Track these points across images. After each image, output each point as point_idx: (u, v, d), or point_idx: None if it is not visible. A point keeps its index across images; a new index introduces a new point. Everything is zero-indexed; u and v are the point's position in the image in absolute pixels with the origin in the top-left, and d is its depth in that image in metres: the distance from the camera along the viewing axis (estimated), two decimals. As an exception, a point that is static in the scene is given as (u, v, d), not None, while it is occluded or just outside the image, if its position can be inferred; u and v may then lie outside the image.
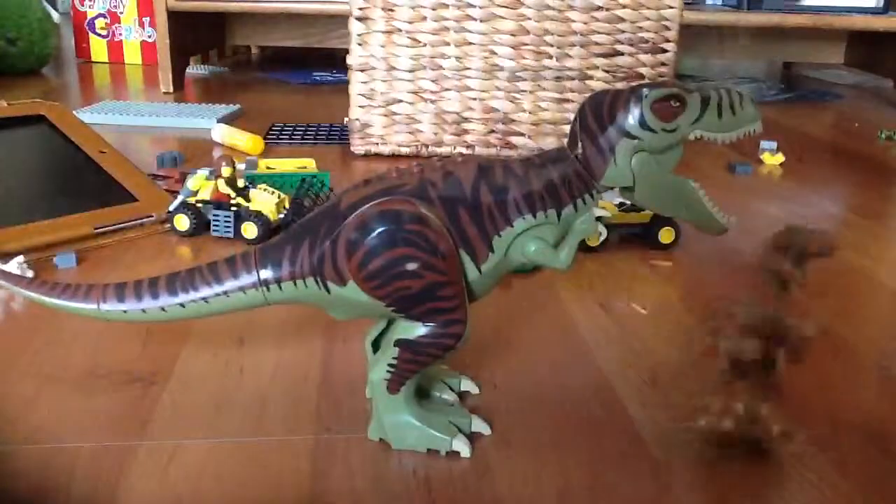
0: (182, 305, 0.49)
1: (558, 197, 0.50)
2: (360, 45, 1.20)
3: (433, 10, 1.18)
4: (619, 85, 1.22)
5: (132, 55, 2.28)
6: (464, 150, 1.24)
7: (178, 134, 1.39)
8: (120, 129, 1.40)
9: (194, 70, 2.16)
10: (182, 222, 0.87)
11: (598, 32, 1.20)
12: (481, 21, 1.19)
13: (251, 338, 0.65)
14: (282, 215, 0.87)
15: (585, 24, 1.20)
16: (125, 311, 0.49)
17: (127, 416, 0.54)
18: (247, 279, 0.49)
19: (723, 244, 0.89)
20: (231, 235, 0.86)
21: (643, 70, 1.22)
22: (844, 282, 0.80)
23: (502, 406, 0.56)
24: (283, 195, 0.88)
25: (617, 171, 0.49)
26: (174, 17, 1.77)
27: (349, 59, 1.21)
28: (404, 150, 1.24)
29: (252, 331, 0.66)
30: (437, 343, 0.48)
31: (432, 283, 0.46)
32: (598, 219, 0.52)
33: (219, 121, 1.43)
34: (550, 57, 1.21)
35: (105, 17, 2.25)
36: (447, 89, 1.21)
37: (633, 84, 0.51)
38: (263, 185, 0.88)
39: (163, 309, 0.49)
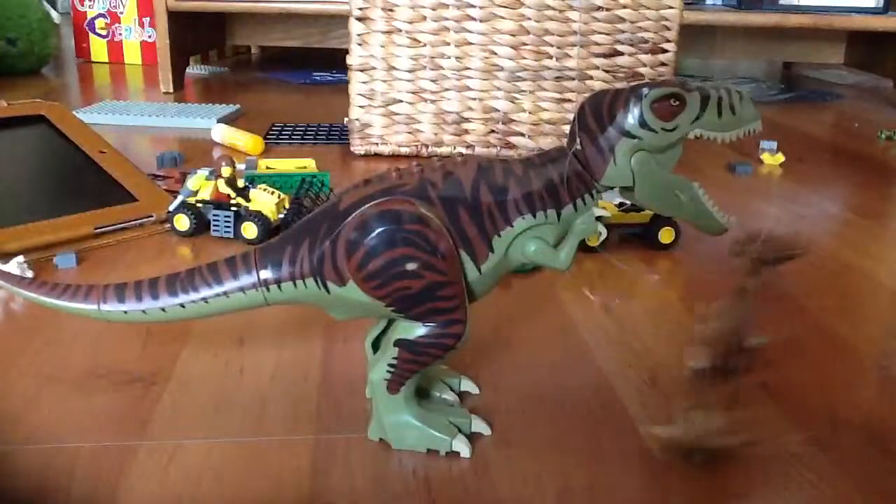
0: (182, 306, 0.49)
1: (558, 197, 0.50)
2: (360, 45, 1.20)
3: (433, 10, 1.18)
4: (619, 85, 1.22)
5: (132, 55, 2.28)
6: (464, 150, 1.24)
7: (178, 134, 1.39)
8: (120, 129, 1.40)
9: (194, 70, 2.16)
10: (182, 222, 0.87)
11: (598, 32, 1.20)
12: (481, 21, 1.19)
13: (251, 338, 0.65)
14: (282, 215, 0.87)
15: (585, 24, 1.20)
16: (125, 312, 0.49)
17: (127, 416, 0.54)
18: (247, 280, 0.48)
19: (723, 244, 0.89)
20: (231, 235, 0.86)
21: (643, 70, 1.22)
22: (844, 282, 0.80)
23: (502, 406, 0.56)
24: (283, 195, 0.88)
25: (617, 170, 0.49)
26: (174, 17, 1.77)
27: (349, 59, 1.21)
28: (404, 150, 1.24)
29: (252, 331, 0.66)
30: (437, 343, 0.48)
31: (432, 283, 0.46)
32: (598, 218, 0.52)
33: (219, 121, 1.43)
34: (550, 57, 1.21)
35: (105, 17, 2.25)
36: (447, 89, 1.21)
37: (633, 83, 0.51)
38: (263, 185, 0.88)
39: (163, 309, 0.49)
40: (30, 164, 0.94)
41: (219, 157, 0.87)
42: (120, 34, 2.26)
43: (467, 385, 0.57)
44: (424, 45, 1.20)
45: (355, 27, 1.19)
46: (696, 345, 0.49)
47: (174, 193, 0.95)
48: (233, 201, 0.86)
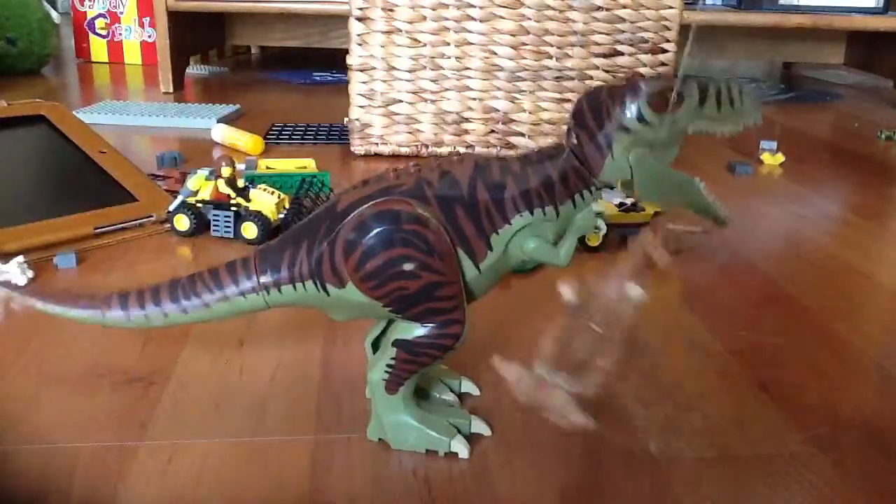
0: (185, 311, 0.49)
1: (556, 193, 0.49)
2: (360, 45, 1.20)
3: (433, 10, 1.18)
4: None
5: (132, 55, 2.28)
6: (463, 150, 1.24)
7: (178, 134, 1.39)
8: (120, 129, 1.40)
9: (194, 70, 2.16)
10: (182, 222, 0.87)
11: (598, 32, 1.20)
12: (481, 21, 1.19)
13: (251, 338, 0.65)
14: (282, 215, 0.87)
15: (585, 24, 1.20)
16: (129, 319, 0.49)
17: (127, 416, 0.54)
18: (247, 284, 0.49)
19: (723, 244, 0.89)
20: (231, 235, 0.86)
21: (643, 70, 1.22)
22: (844, 282, 0.80)
23: (502, 406, 0.56)
24: (283, 195, 0.88)
25: (614, 165, 0.49)
26: (174, 17, 1.77)
27: (349, 59, 1.21)
28: (404, 150, 1.24)
29: (252, 331, 0.66)
30: (435, 344, 0.48)
31: (430, 283, 0.46)
32: (598, 214, 0.52)
33: (219, 121, 1.43)
34: (550, 57, 1.21)
35: (105, 17, 2.25)
36: (447, 89, 1.21)
37: (630, 78, 0.50)
38: (263, 185, 0.88)
39: (165, 315, 0.49)
40: (30, 164, 0.94)
41: (219, 157, 0.87)
42: (120, 34, 2.26)
43: (468, 386, 0.57)
44: (424, 45, 1.20)
45: (355, 27, 1.19)
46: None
47: (174, 193, 0.95)
48: (233, 201, 0.86)
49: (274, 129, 1.43)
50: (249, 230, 0.85)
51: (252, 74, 2.17)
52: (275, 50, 2.67)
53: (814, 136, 1.53)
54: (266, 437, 0.52)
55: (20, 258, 0.76)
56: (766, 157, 1.28)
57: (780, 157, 1.28)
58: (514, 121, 1.23)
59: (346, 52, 1.21)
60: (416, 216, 0.46)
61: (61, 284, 0.75)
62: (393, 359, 0.48)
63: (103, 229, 0.87)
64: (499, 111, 1.23)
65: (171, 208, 0.88)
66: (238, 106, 1.58)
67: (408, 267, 0.46)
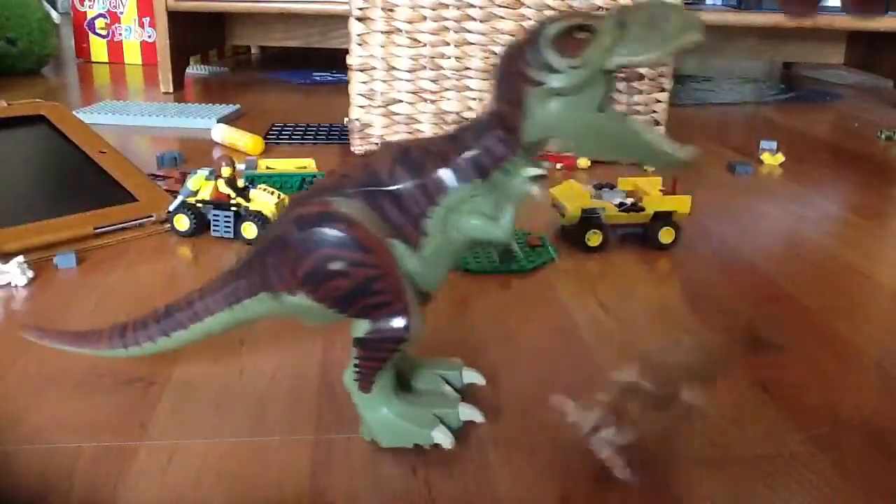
0: (167, 336, 0.53)
1: (482, 164, 0.46)
2: (359, 45, 1.20)
3: (433, 10, 1.18)
4: (620, 86, 1.22)
5: (132, 55, 2.28)
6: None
7: (178, 134, 1.39)
8: (120, 129, 1.40)
9: (194, 70, 2.16)
10: (182, 222, 0.87)
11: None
12: (481, 21, 1.19)
13: (251, 338, 0.65)
14: (282, 215, 0.87)
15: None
16: (127, 352, 0.54)
17: (127, 416, 0.54)
18: (213, 304, 0.51)
19: (723, 244, 0.89)
20: (231, 236, 0.86)
21: (643, 70, 1.22)
22: (844, 282, 0.80)
23: (502, 406, 0.56)
24: (283, 195, 0.88)
25: (534, 123, 0.44)
26: (174, 17, 1.77)
27: (349, 59, 1.21)
28: (404, 150, 1.24)
29: (252, 331, 0.66)
30: (386, 338, 0.47)
31: (362, 279, 0.46)
32: (534, 178, 0.48)
33: (219, 121, 1.43)
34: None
35: (105, 17, 2.25)
36: (447, 89, 1.21)
37: (535, 23, 0.45)
38: (263, 185, 0.88)
39: (153, 341, 0.53)
40: (30, 164, 0.94)
41: (219, 157, 0.87)
42: (120, 34, 2.26)
43: (471, 376, 0.56)
44: (424, 45, 1.20)
45: (355, 27, 1.19)
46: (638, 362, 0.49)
47: (174, 193, 0.95)
48: (233, 201, 0.86)
49: (274, 129, 1.43)
50: (249, 230, 0.85)
51: (252, 74, 2.17)
52: (275, 50, 2.67)
53: (814, 136, 1.53)
54: (266, 437, 0.52)
55: (20, 258, 0.76)
56: (766, 157, 1.28)
57: (780, 157, 1.28)
58: (514, 121, 1.23)
59: (346, 52, 1.21)
60: (332, 214, 0.46)
61: (61, 284, 0.75)
62: (356, 357, 0.49)
63: (103, 229, 0.87)
64: (499, 111, 1.23)
65: (171, 208, 0.88)
66: (238, 106, 1.58)
67: (335, 266, 0.45)
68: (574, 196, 0.86)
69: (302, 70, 2.23)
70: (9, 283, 0.74)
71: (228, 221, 0.86)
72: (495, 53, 1.20)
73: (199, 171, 0.90)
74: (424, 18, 1.18)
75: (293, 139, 1.35)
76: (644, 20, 0.41)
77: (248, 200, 0.86)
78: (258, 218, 0.84)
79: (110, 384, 0.57)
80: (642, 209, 0.85)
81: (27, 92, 1.75)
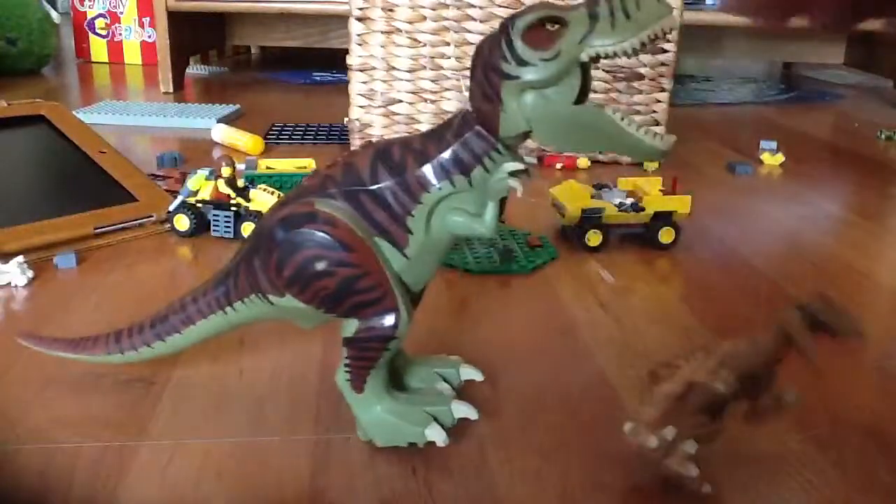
0: (162, 340, 0.53)
1: (462, 161, 0.46)
2: (359, 45, 1.20)
3: (433, 10, 1.18)
4: (620, 86, 1.22)
5: (132, 55, 2.28)
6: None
7: (178, 134, 1.39)
8: (120, 129, 1.40)
9: (194, 70, 2.16)
10: (182, 222, 0.87)
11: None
12: (481, 21, 1.19)
13: (251, 338, 0.65)
14: (282, 215, 0.86)
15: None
16: (123, 357, 0.54)
17: (127, 416, 0.54)
18: (205, 305, 0.51)
19: (723, 244, 0.89)
20: (231, 235, 0.86)
21: (643, 70, 1.22)
22: (844, 282, 0.80)
23: (502, 406, 0.56)
24: (282, 195, 0.88)
25: (509, 118, 0.44)
26: (174, 17, 1.77)
27: (349, 59, 1.21)
28: (404, 150, 1.24)
29: (252, 331, 0.66)
30: (374, 336, 0.47)
31: (347, 278, 0.46)
32: (515, 174, 0.47)
33: (219, 121, 1.43)
34: (550, 57, 1.21)
35: (105, 17, 2.25)
36: (447, 89, 1.21)
37: (506, 17, 0.45)
38: (263, 185, 0.88)
39: (149, 346, 0.54)
40: (30, 164, 0.94)
41: (219, 157, 0.87)
42: (120, 34, 2.26)
43: (468, 373, 0.56)
44: (424, 45, 1.20)
45: (355, 27, 1.19)
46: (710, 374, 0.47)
47: (174, 193, 0.95)
48: (233, 201, 0.86)
49: (274, 129, 1.43)
50: (249, 230, 0.85)
51: (252, 74, 2.17)
52: (275, 50, 2.67)
53: (814, 136, 1.53)
54: (266, 437, 0.52)
55: (20, 258, 0.76)
56: (766, 157, 1.28)
57: (780, 157, 1.28)
58: (514, 121, 1.23)
59: (346, 52, 1.21)
60: (315, 215, 0.46)
61: (61, 284, 0.75)
62: (346, 357, 0.49)
63: (103, 229, 0.87)
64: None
65: (171, 208, 0.88)
66: (238, 106, 1.58)
67: (320, 266, 0.46)
68: (574, 196, 0.86)
69: (302, 70, 2.23)
70: (9, 283, 0.74)
71: (228, 221, 0.86)
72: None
73: (199, 171, 0.90)
74: (424, 18, 1.18)
75: (293, 139, 1.35)
76: (616, 9, 0.41)
77: (248, 200, 0.86)
78: (258, 218, 0.84)
79: (110, 384, 0.57)
80: (642, 209, 0.85)
81: (27, 92, 1.74)
